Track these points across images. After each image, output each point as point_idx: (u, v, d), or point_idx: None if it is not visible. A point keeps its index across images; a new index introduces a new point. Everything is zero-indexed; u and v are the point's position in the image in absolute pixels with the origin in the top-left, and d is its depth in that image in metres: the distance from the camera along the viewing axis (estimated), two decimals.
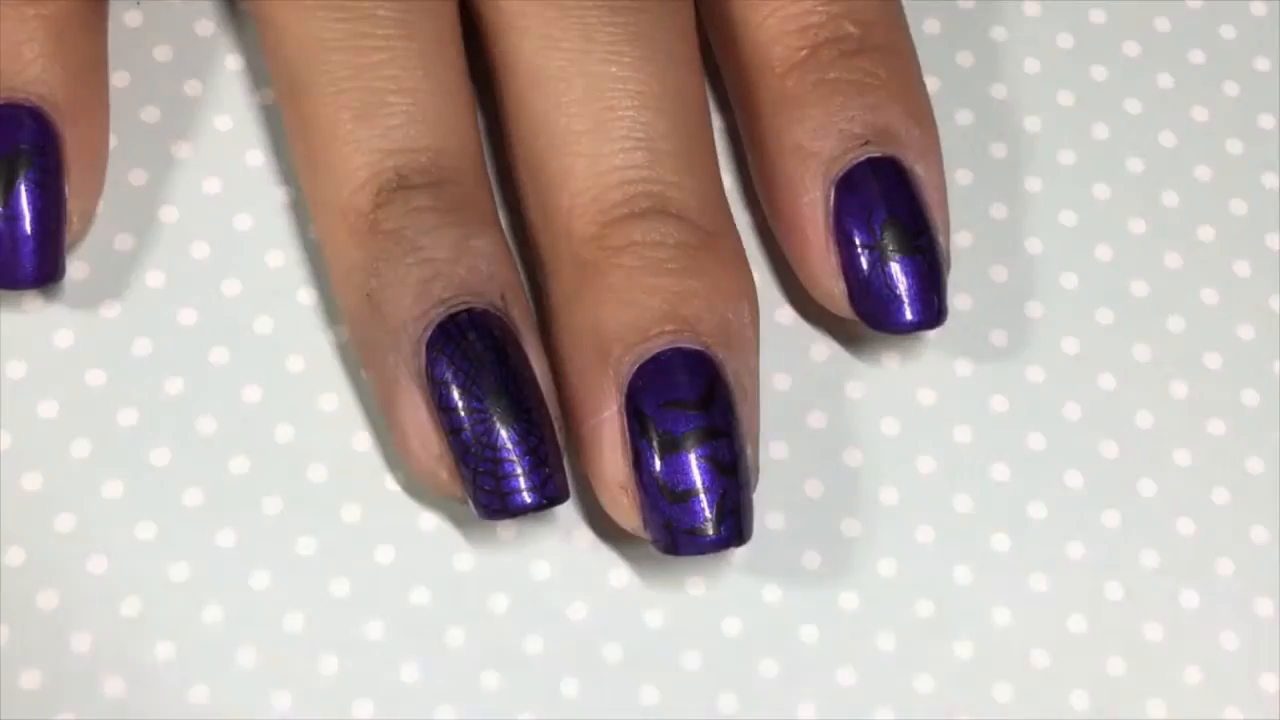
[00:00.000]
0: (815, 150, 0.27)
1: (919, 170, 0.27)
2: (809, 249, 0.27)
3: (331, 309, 0.28)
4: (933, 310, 0.27)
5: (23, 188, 0.25)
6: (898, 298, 0.26)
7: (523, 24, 0.26)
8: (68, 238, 0.26)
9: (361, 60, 0.26)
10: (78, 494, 0.26)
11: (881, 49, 0.27)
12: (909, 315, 0.26)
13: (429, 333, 0.25)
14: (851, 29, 0.27)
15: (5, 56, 0.25)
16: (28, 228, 0.25)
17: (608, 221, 0.25)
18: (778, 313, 0.29)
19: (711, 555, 0.25)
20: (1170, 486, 0.28)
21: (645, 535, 0.25)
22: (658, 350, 0.25)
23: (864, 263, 0.26)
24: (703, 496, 0.24)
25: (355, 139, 0.25)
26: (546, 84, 0.26)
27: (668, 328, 0.25)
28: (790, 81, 0.27)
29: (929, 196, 0.27)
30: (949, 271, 0.27)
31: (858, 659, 0.27)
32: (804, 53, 0.27)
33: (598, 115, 0.26)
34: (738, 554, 0.27)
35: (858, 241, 0.26)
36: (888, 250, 0.26)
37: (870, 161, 0.26)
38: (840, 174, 0.26)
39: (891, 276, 0.26)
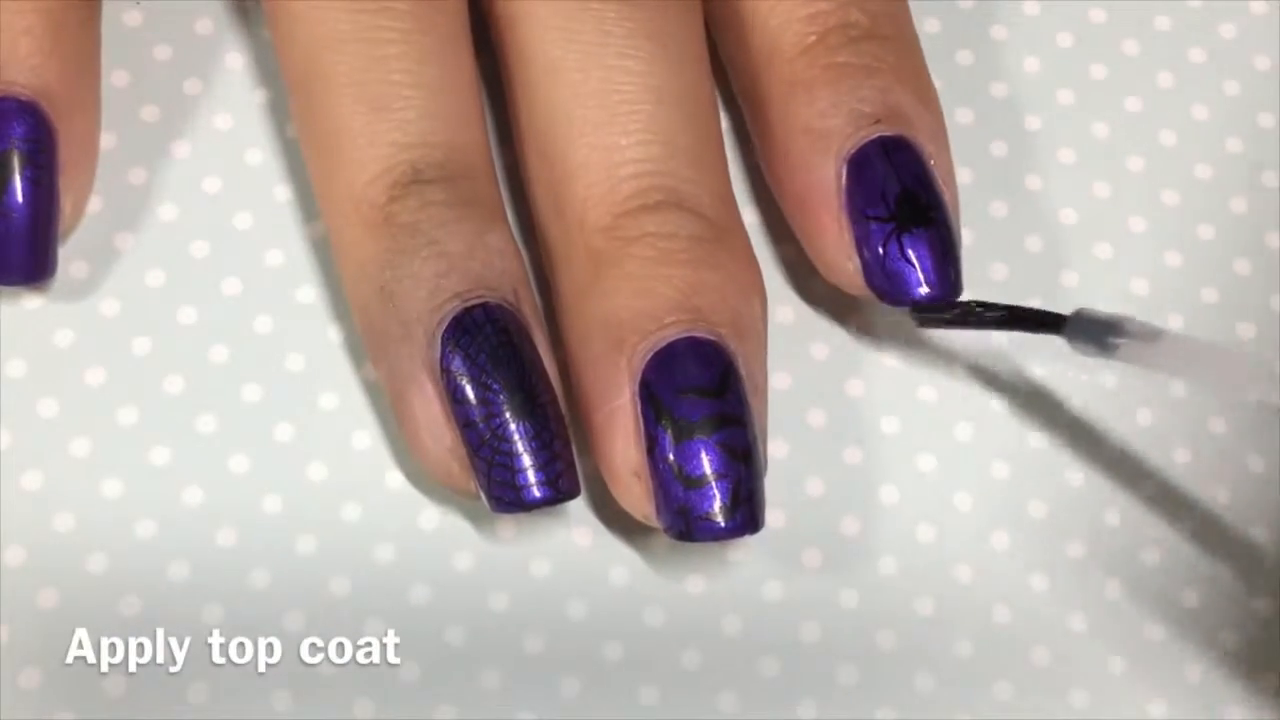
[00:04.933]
0: (826, 129, 0.27)
1: (929, 150, 0.27)
2: (821, 227, 0.27)
3: (331, 307, 0.28)
4: (948, 283, 0.26)
5: (18, 183, 0.25)
6: (913, 270, 0.26)
7: (539, 14, 0.26)
8: (60, 232, 0.26)
9: (377, 52, 0.26)
10: (77, 493, 0.26)
11: (888, 38, 0.27)
12: (924, 288, 0.26)
13: (444, 325, 0.25)
14: (859, 17, 0.27)
15: (2, 49, 0.25)
16: (23, 224, 0.25)
17: (622, 213, 0.25)
18: (778, 311, 0.29)
19: (722, 543, 0.25)
20: (1170, 485, 0.28)
21: (656, 523, 0.25)
22: (672, 338, 0.25)
23: (878, 237, 0.26)
24: (718, 483, 0.24)
25: (370, 131, 0.25)
26: (562, 75, 0.26)
27: (682, 316, 0.25)
28: (800, 65, 0.27)
29: (940, 175, 0.27)
30: (960, 250, 0.27)
31: (858, 657, 0.27)
32: (813, 38, 0.27)
33: (614, 108, 0.26)
34: (738, 552, 0.27)
35: (870, 216, 0.26)
36: (902, 222, 0.26)
37: (881, 140, 0.26)
38: (851, 151, 0.26)
39: (906, 248, 0.26)
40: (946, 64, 0.30)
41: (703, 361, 0.25)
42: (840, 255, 0.27)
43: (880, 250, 0.26)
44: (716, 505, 0.24)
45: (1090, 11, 0.31)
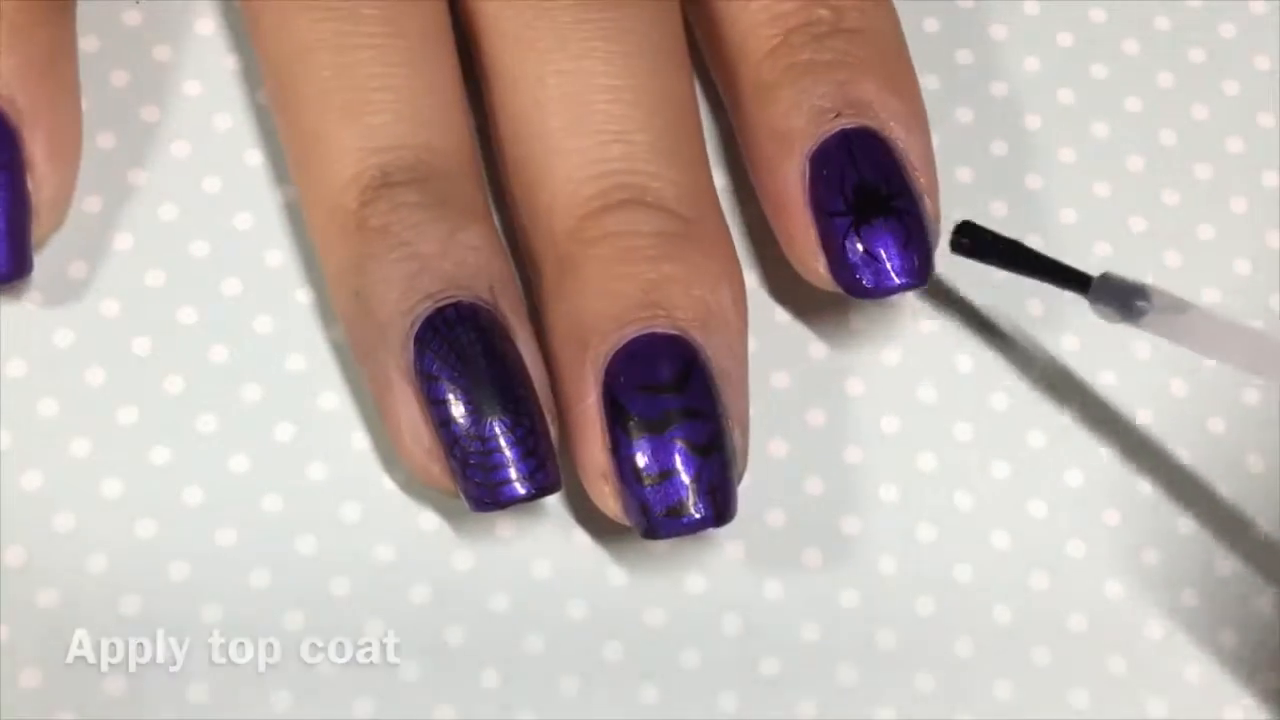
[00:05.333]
0: (788, 130, 0.27)
1: (897, 136, 0.26)
2: (791, 227, 0.27)
3: (330, 307, 0.28)
4: (913, 271, 0.26)
5: None
6: (876, 260, 0.26)
7: (499, 27, 0.26)
8: (37, 232, 0.26)
9: (345, 59, 0.26)
10: (78, 493, 0.26)
11: (856, 30, 0.27)
12: (890, 278, 0.26)
13: (416, 327, 0.25)
14: (823, 13, 0.27)
15: None
16: None
17: (584, 215, 0.25)
18: (778, 311, 0.29)
19: (696, 536, 0.25)
20: (1170, 484, 0.28)
21: (627, 522, 0.25)
22: (631, 336, 0.25)
23: (839, 231, 0.26)
24: (679, 477, 0.24)
25: (340, 138, 0.26)
26: (522, 85, 0.26)
27: (641, 314, 0.25)
28: (765, 68, 0.27)
29: (910, 160, 0.26)
30: (938, 235, 0.27)
31: (858, 657, 0.27)
32: (778, 39, 0.27)
33: (573, 111, 0.26)
34: (738, 551, 0.27)
35: (831, 212, 0.26)
36: (861, 214, 0.26)
37: (842, 133, 0.26)
38: (813, 149, 0.26)
39: (867, 239, 0.26)
40: (946, 63, 0.30)
41: (662, 357, 0.25)
42: (809, 254, 0.27)
43: (843, 245, 0.26)
44: (677, 500, 0.24)
45: (1090, 11, 0.31)
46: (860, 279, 0.26)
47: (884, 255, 0.26)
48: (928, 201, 0.27)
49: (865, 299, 0.27)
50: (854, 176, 0.26)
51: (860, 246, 0.26)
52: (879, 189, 0.26)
